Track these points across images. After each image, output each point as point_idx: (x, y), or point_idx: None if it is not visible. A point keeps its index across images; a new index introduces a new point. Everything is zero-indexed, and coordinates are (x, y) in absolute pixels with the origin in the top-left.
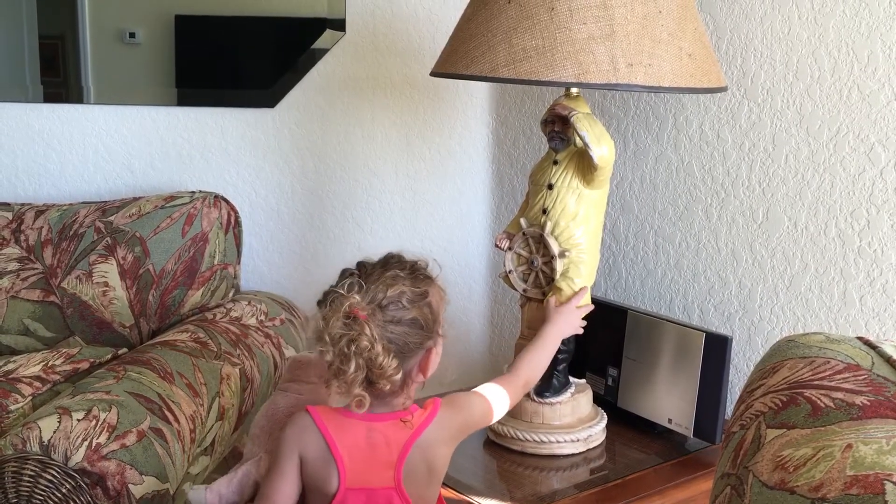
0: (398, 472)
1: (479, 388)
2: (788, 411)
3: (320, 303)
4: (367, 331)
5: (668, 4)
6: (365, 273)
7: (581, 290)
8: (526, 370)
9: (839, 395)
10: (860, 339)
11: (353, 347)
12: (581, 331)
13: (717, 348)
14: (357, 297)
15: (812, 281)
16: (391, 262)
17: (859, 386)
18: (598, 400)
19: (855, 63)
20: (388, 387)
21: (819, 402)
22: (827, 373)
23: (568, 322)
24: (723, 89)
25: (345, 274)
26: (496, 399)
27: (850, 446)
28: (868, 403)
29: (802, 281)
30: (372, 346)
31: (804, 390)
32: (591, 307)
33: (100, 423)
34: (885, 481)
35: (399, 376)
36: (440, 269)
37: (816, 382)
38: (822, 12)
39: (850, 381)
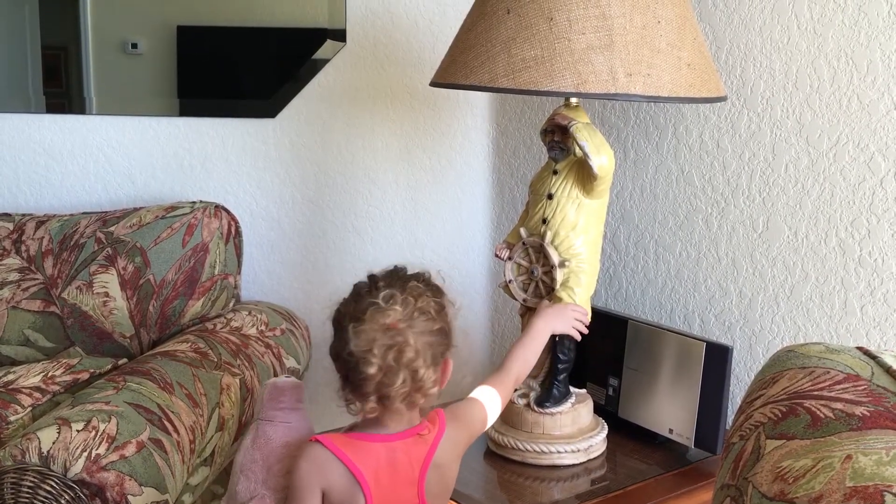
0: (420, 488)
1: (474, 394)
2: (788, 422)
3: (337, 319)
4: (412, 341)
5: (667, 14)
6: (385, 285)
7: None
8: (516, 367)
9: (839, 405)
10: (860, 349)
11: (402, 359)
12: (573, 331)
13: (717, 358)
14: (398, 308)
15: (813, 290)
16: (402, 274)
17: (859, 396)
18: (598, 410)
19: (854, 72)
20: (422, 401)
21: (819, 412)
22: (827, 383)
23: (559, 317)
24: (722, 99)
25: (361, 288)
26: (491, 403)
27: (849, 457)
28: (868, 414)
29: (803, 290)
30: (416, 358)
31: (804, 401)
32: (586, 311)
33: (99, 433)
34: (885, 493)
35: (435, 389)
36: (443, 280)
37: (816, 393)
38: (821, 22)
39: (849, 391)
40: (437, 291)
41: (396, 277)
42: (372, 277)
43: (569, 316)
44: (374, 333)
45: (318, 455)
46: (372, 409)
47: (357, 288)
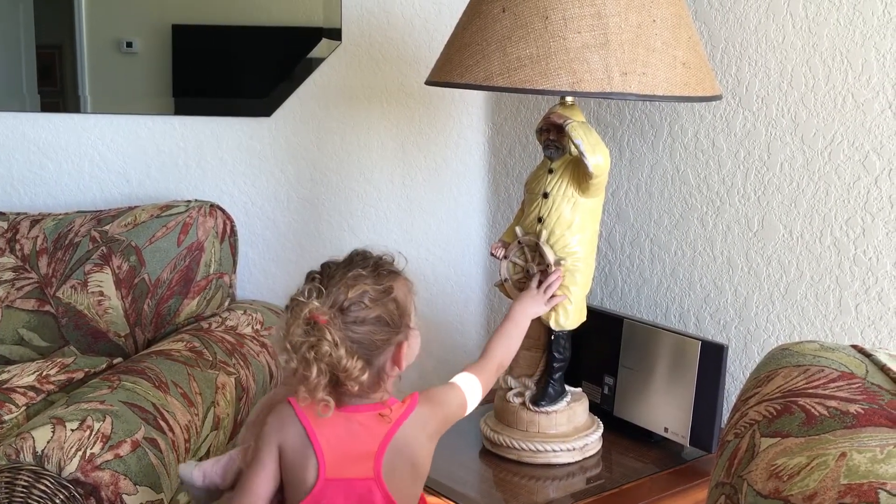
0: (377, 463)
1: (455, 379)
2: (782, 420)
3: (286, 309)
4: (329, 336)
5: (662, 13)
6: (328, 275)
7: (555, 271)
8: (498, 353)
9: (833, 403)
10: (854, 347)
11: (313, 353)
12: (548, 308)
13: (713, 357)
14: (316, 303)
15: (808, 289)
16: (354, 260)
17: (853, 394)
18: (594, 409)
19: (849, 71)
20: (356, 387)
21: (813, 410)
22: (821, 381)
23: (533, 301)
24: (717, 98)
25: (309, 277)
26: (470, 389)
27: (844, 455)
28: (862, 412)
29: (798, 289)
30: (334, 351)
31: (798, 399)
32: (559, 275)
33: (94, 433)
34: (879, 490)
35: (365, 376)
36: (406, 261)
37: (811, 391)
38: (816, 21)
39: (844, 389)
40: (380, 276)
41: (341, 265)
42: (323, 266)
43: (541, 298)
44: (291, 328)
45: (283, 412)
46: (304, 396)
47: (305, 278)
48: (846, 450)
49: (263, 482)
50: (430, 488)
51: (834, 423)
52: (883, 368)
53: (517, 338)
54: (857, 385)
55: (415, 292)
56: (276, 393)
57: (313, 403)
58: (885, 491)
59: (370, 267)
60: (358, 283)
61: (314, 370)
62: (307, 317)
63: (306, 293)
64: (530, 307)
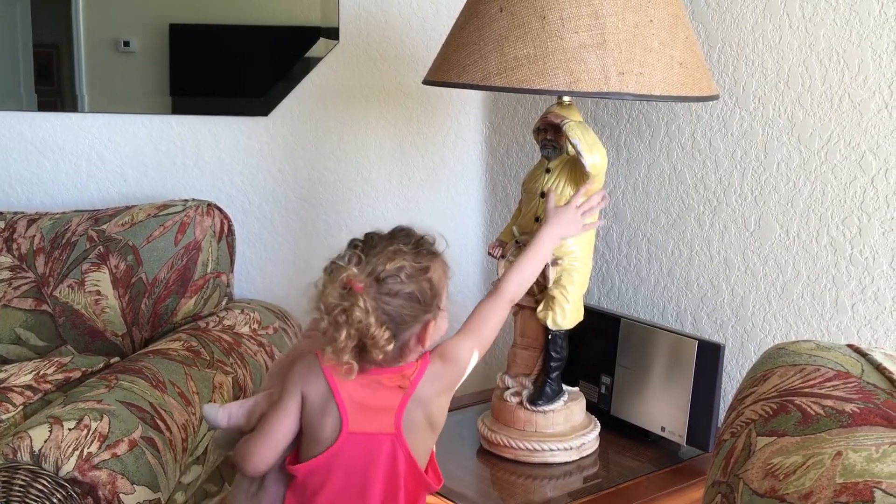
0: (398, 419)
1: (466, 324)
2: (779, 419)
3: (325, 270)
4: (361, 302)
5: (659, 13)
6: (370, 245)
7: (599, 192)
8: (513, 286)
9: (829, 402)
10: (850, 346)
11: (345, 317)
12: (580, 231)
13: (709, 356)
14: (354, 269)
15: (804, 288)
16: (398, 235)
17: (849, 393)
18: (591, 408)
19: (846, 71)
20: (380, 356)
21: (809, 409)
22: (817, 380)
23: (569, 221)
24: (714, 98)
25: (351, 244)
26: (484, 330)
27: (839, 454)
28: (858, 411)
29: (794, 288)
30: (364, 318)
31: (794, 398)
32: (603, 195)
33: (91, 432)
34: (875, 489)
35: (391, 346)
36: (447, 244)
37: (807, 390)
38: (812, 21)
39: (840, 388)
40: (420, 255)
41: (384, 238)
42: (367, 235)
43: (578, 219)
44: (327, 290)
45: (309, 362)
46: (330, 357)
47: (348, 244)
48: (842, 449)
49: (284, 426)
50: None
51: (830, 422)
52: (879, 368)
53: (539, 264)
54: (852, 384)
55: (450, 276)
56: (300, 344)
57: (338, 364)
58: (881, 490)
59: (412, 244)
60: (397, 257)
61: (343, 333)
62: (344, 281)
63: (347, 259)
64: (564, 228)
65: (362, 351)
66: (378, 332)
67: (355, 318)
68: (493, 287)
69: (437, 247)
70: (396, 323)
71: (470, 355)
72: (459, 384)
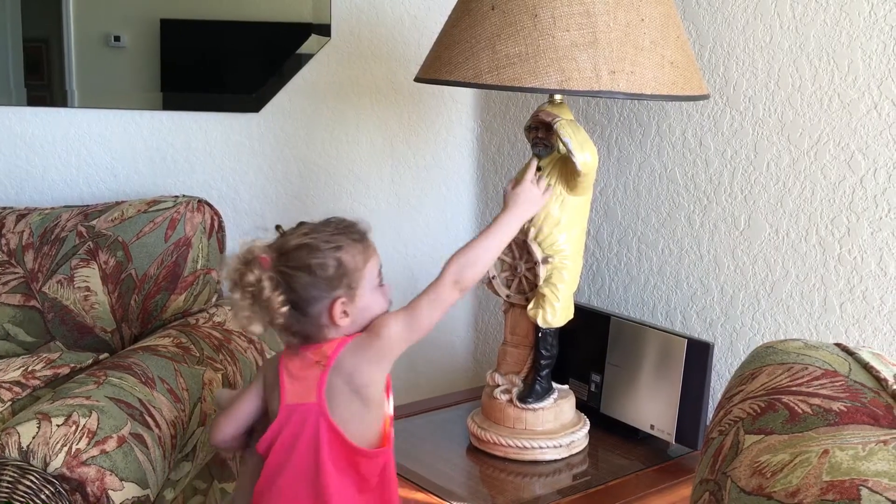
0: (320, 389)
1: (408, 304)
2: (766, 417)
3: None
4: (256, 269)
5: (650, 12)
6: (296, 227)
7: (534, 168)
8: (453, 267)
9: (816, 401)
10: (838, 345)
11: (238, 280)
12: (544, 200)
13: (699, 354)
14: (258, 243)
15: (793, 288)
16: (325, 220)
17: (836, 392)
18: (581, 406)
19: (835, 72)
20: (279, 320)
21: (797, 408)
22: (805, 379)
23: (528, 200)
24: (705, 97)
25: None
26: (417, 308)
27: (826, 452)
28: (845, 409)
29: (783, 288)
30: (257, 282)
31: (782, 396)
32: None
33: (80, 428)
34: (861, 487)
35: (285, 310)
36: (370, 230)
37: (794, 388)
38: (803, 21)
39: (827, 387)
40: (335, 234)
41: (313, 223)
42: (300, 223)
43: (533, 194)
44: (232, 259)
45: (276, 353)
46: (233, 319)
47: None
48: (829, 447)
49: (244, 403)
50: (417, 484)
51: (817, 420)
52: (866, 367)
53: (492, 248)
54: (840, 383)
55: (375, 262)
56: None
57: (237, 322)
58: (867, 488)
59: (331, 227)
60: (308, 235)
61: (238, 294)
62: (246, 250)
63: (258, 235)
64: (526, 208)
65: (288, 329)
66: (272, 297)
67: (247, 280)
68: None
69: (363, 235)
70: (299, 296)
71: (396, 330)
72: (389, 360)
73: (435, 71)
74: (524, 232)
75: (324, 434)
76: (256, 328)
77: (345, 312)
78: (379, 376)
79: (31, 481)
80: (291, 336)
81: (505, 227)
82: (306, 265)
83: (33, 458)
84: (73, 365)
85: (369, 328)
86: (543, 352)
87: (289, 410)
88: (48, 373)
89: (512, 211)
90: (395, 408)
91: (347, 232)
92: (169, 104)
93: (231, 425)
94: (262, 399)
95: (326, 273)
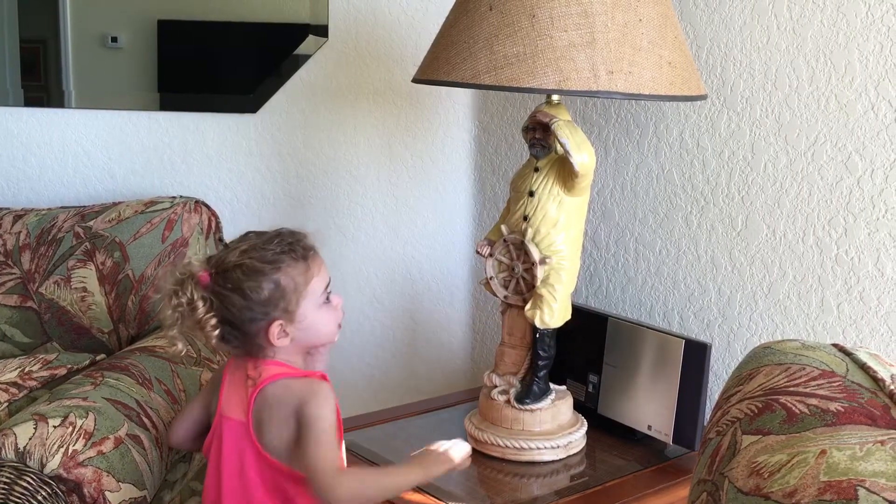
0: (250, 405)
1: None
2: (764, 418)
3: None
4: (189, 289)
5: (648, 13)
6: (241, 240)
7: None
8: (354, 484)
9: (814, 401)
10: (835, 346)
11: (168, 300)
12: (451, 465)
13: (696, 355)
14: (194, 259)
15: (790, 288)
16: (270, 235)
17: (834, 392)
18: (578, 407)
19: (833, 73)
20: (212, 341)
21: (794, 408)
22: (802, 379)
23: (439, 462)
24: (702, 97)
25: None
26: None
27: (824, 452)
28: (842, 410)
29: (781, 288)
30: (187, 303)
31: (779, 397)
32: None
33: (76, 429)
34: (858, 487)
35: (216, 333)
36: (317, 248)
37: (792, 389)
38: (800, 22)
39: (824, 387)
40: (275, 254)
41: (257, 236)
42: (248, 232)
43: (441, 458)
44: (167, 274)
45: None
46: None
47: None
48: (826, 447)
49: (195, 403)
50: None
51: (814, 420)
52: (863, 367)
53: (382, 490)
54: (837, 383)
55: (320, 280)
56: None
57: (167, 340)
58: (864, 488)
59: (274, 243)
60: (247, 253)
61: (168, 312)
62: (184, 265)
63: (203, 251)
64: (428, 470)
65: (228, 343)
66: (203, 318)
67: (176, 301)
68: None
69: (307, 252)
70: (233, 316)
71: (315, 466)
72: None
73: (433, 71)
74: (522, 233)
75: (250, 455)
76: (179, 346)
77: (284, 332)
78: (319, 417)
79: (28, 483)
80: (233, 349)
81: (404, 475)
82: (240, 288)
83: (30, 459)
84: (69, 366)
85: (302, 417)
86: (541, 352)
87: (221, 420)
88: (45, 374)
89: (419, 466)
90: (394, 408)
91: (290, 250)
92: (166, 105)
93: (182, 425)
94: (208, 407)
95: (261, 296)
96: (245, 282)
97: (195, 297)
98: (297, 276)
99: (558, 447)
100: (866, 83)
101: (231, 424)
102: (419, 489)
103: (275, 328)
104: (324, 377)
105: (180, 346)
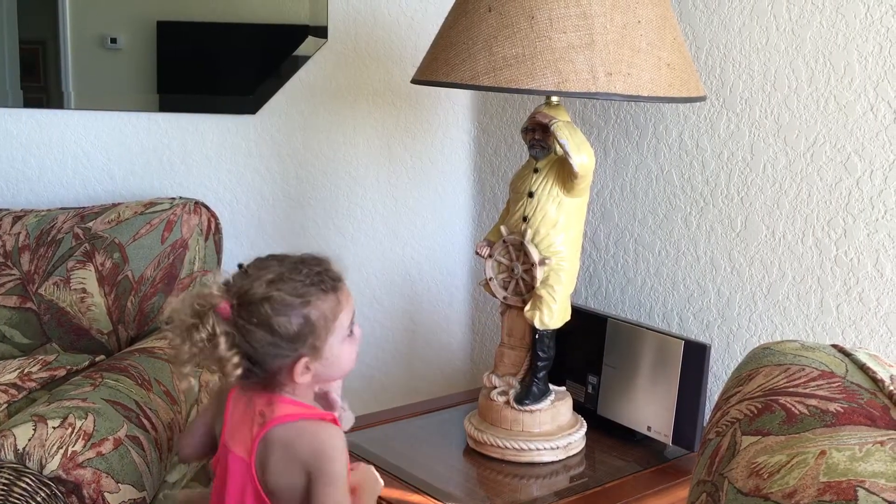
0: (254, 445)
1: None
2: (763, 418)
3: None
4: (210, 323)
5: (647, 14)
6: (260, 266)
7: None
8: None
9: (813, 402)
10: (835, 346)
11: (187, 334)
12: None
13: (695, 356)
14: (214, 288)
15: (790, 289)
16: (296, 262)
17: (833, 393)
18: (577, 408)
19: (832, 74)
20: (230, 378)
21: (794, 409)
22: (801, 380)
23: (370, 479)
24: (701, 99)
25: (241, 264)
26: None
27: (823, 453)
28: (842, 410)
29: (780, 289)
30: (208, 339)
31: (779, 397)
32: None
33: (76, 430)
34: (858, 488)
35: (238, 371)
36: (344, 275)
37: (791, 389)
38: (799, 23)
39: (824, 388)
40: (305, 286)
41: (279, 262)
42: (268, 256)
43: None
44: (183, 303)
45: None
46: (175, 369)
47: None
48: (826, 448)
49: (200, 419)
50: (413, 486)
51: (814, 421)
52: (863, 367)
53: None
54: (836, 384)
55: (347, 312)
56: None
57: (179, 376)
58: (864, 489)
59: (302, 274)
60: (274, 285)
61: (185, 348)
62: (201, 298)
63: (218, 275)
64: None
65: (242, 377)
66: (225, 356)
67: (197, 337)
68: None
69: (335, 283)
70: (256, 351)
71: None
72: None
73: (432, 72)
74: (521, 234)
75: (250, 494)
76: (192, 383)
77: (307, 368)
78: (329, 459)
79: (27, 484)
80: (244, 380)
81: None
82: (267, 323)
83: (29, 460)
84: (69, 367)
85: (316, 472)
86: (540, 353)
87: (225, 450)
88: (44, 375)
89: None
90: (393, 409)
91: (319, 281)
92: (165, 106)
93: (189, 443)
94: (211, 431)
95: (290, 332)
96: (274, 317)
97: (217, 331)
98: (327, 309)
99: (558, 448)
100: (865, 84)
101: (234, 458)
102: (417, 490)
103: (300, 365)
104: (334, 420)
105: (193, 382)
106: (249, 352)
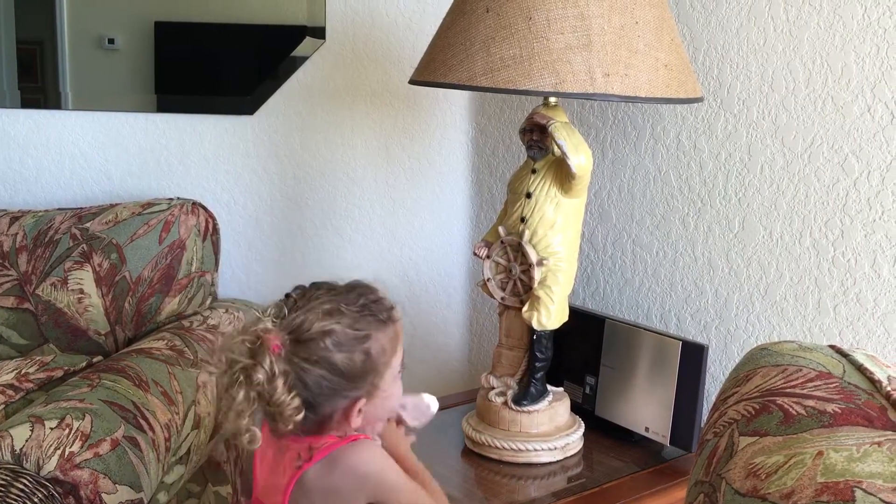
0: (285, 498)
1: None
2: (761, 419)
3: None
4: (267, 363)
5: (644, 15)
6: (308, 296)
7: None
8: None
9: (811, 402)
10: (832, 347)
11: (244, 377)
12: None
13: (693, 357)
14: (269, 324)
15: (787, 290)
16: (348, 291)
17: (830, 394)
18: (575, 408)
19: (829, 75)
20: (288, 426)
21: (791, 409)
22: (799, 381)
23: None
24: (699, 100)
25: (288, 294)
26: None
27: (821, 454)
28: (839, 411)
29: (777, 290)
30: (268, 382)
31: (776, 398)
32: None
33: (73, 431)
34: (855, 488)
35: (299, 417)
36: (402, 313)
37: (789, 390)
38: (796, 24)
39: (821, 388)
40: (362, 320)
41: (329, 292)
42: (312, 285)
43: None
44: (234, 341)
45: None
46: (230, 422)
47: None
48: (823, 448)
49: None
50: None
51: (811, 422)
52: (860, 368)
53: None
54: (834, 385)
55: (401, 347)
56: None
57: (237, 431)
58: (861, 489)
59: (358, 305)
60: (332, 318)
61: (241, 394)
62: (255, 335)
63: (269, 310)
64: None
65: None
66: (284, 399)
67: (256, 379)
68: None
69: (391, 313)
70: (313, 393)
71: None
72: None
73: (430, 73)
74: (519, 234)
75: None
76: (255, 432)
77: (360, 411)
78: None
79: (24, 484)
80: (253, 437)
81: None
82: (328, 360)
83: (26, 461)
84: (66, 368)
85: (363, 483)
86: (538, 354)
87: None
88: (41, 376)
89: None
90: None
91: (376, 311)
92: (163, 106)
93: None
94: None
95: (352, 371)
96: (335, 353)
97: (275, 372)
98: (386, 344)
99: (555, 449)
100: (863, 85)
101: None
102: None
103: (358, 408)
104: (359, 437)
105: (247, 423)
106: (304, 394)
